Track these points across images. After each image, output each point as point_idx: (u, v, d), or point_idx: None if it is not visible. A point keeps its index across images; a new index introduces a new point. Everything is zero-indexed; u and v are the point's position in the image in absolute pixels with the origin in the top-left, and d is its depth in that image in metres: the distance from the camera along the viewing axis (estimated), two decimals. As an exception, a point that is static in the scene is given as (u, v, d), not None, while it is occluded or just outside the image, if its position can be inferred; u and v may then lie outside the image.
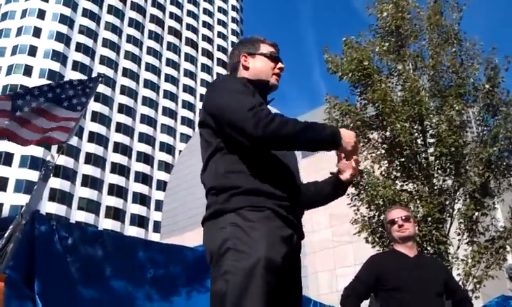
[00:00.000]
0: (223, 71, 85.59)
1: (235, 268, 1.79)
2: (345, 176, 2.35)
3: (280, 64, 2.35)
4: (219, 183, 2.01)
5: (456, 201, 11.93)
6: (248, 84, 2.17)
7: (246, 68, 2.32)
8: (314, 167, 27.05)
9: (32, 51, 67.46)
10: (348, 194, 12.73)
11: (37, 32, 68.88)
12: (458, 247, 11.76)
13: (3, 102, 4.87)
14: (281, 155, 2.13)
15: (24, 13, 70.46)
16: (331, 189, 2.40)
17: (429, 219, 11.08)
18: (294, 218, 2.04)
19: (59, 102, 5.01)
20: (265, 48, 2.36)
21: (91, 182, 65.32)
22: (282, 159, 2.12)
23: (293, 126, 1.96)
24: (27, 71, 65.77)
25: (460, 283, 10.62)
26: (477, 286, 11.53)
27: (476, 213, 11.63)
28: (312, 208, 2.43)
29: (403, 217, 3.45)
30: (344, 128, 2.13)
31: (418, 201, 11.41)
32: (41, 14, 70.29)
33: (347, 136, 2.09)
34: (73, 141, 60.38)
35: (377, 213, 12.08)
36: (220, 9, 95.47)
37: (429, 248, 11.07)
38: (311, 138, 2.00)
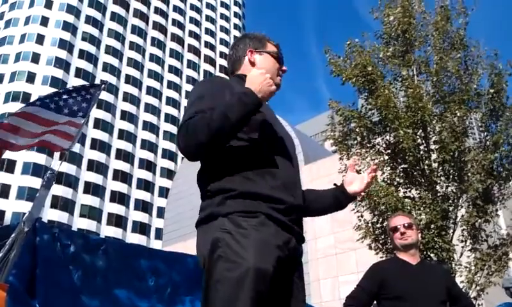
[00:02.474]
0: (226, 78, 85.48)
1: (225, 277, 1.76)
2: (352, 188, 2.30)
3: (283, 67, 2.33)
4: (213, 186, 1.98)
5: (459, 207, 11.90)
6: (231, 83, 2.16)
7: (253, 64, 2.28)
8: (316, 173, 27.04)
9: (36, 58, 67.67)
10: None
11: (40, 39, 69.13)
12: (461, 254, 11.73)
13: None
14: (278, 150, 2.07)
15: (27, 20, 70.74)
16: (333, 201, 2.33)
17: (432, 225, 11.05)
18: (292, 221, 1.98)
19: (58, 109, 4.99)
20: (271, 48, 2.33)
21: (94, 189, 65.34)
22: (280, 155, 2.06)
23: (211, 119, 1.89)
24: (30, 78, 65.96)
25: (463, 290, 10.57)
26: (480, 293, 11.49)
27: (479, 220, 11.60)
28: (309, 216, 2.36)
29: (405, 225, 3.42)
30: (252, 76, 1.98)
31: (421, 208, 11.38)
32: (45, 21, 70.55)
33: (256, 81, 1.95)
34: (76, 147, 60.44)
35: (380, 220, 12.06)
36: (222, 16, 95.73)
37: (432, 255, 11.04)
38: (226, 123, 1.88)
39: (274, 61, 2.30)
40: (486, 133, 12.26)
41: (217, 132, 1.89)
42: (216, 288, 1.77)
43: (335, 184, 2.39)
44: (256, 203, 1.91)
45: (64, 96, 5.12)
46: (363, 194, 10.47)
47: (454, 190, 11.83)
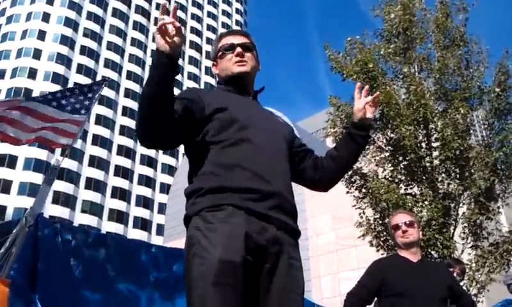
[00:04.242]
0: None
1: (197, 274, 1.78)
2: (367, 114, 2.30)
3: (237, 49, 2.23)
4: (188, 188, 2.03)
5: (461, 205, 11.89)
6: (201, 91, 2.16)
7: (219, 74, 2.30)
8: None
9: (37, 54, 67.64)
10: (353, 197, 12.72)
11: (42, 35, 69.09)
12: (462, 252, 11.74)
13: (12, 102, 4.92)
14: (251, 139, 2.03)
15: (28, 16, 70.71)
16: (349, 141, 2.30)
17: (433, 223, 11.05)
18: (269, 209, 1.92)
19: (60, 106, 5.01)
20: (220, 44, 2.30)
21: (95, 185, 65.38)
22: (253, 144, 2.02)
23: (138, 111, 1.93)
24: (32, 74, 65.95)
25: (464, 288, 10.58)
26: (481, 290, 11.50)
27: (480, 218, 11.59)
28: (341, 175, 2.35)
29: (407, 222, 3.42)
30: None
31: (422, 205, 11.38)
32: (46, 17, 70.50)
33: (158, 35, 1.88)
34: (77, 143, 60.47)
35: (381, 217, 12.06)
36: (224, 12, 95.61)
37: (433, 252, 11.04)
38: (147, 91, 1.88)
39: (225, 55, 2.26)
40: (489, 131, 12.24)
41: (148, 99, 1.87)
42: (192, 286, 1.79)
43: (345, 127, 2.35)
44: (224, 195, 1.91)
45: (67, 94, 5.14)
46: (364, 191, 10.34)
47: (456, 188, 11.82)
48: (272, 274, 1.88)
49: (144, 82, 1.91)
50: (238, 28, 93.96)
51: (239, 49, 2.23)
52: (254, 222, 1.88)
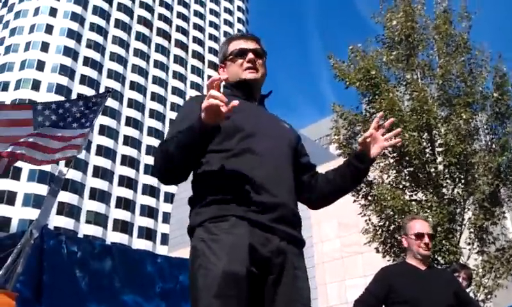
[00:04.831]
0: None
1: (201, 285, 1.77)
2: (373, 150, 2.14)
3: (249, 56, 2.17)
4: (192, 199, 2.02)
5: (466, 210, 11.85)
6: (192, 104, 2.12)
7: (226, 79, 2.21)
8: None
9: (41, 66, 67.98)
10: (359, 204, 12.70)
11: (45, 47, 69.45)
12: (469, 257, 11.67)
13: (25, 112, 4.99)
14: (256, 149, 2.00)
15: (32, 28, 71.12)
16: (348, 170, 2.18)
17: (439, 228, 11.01)
18: (273, 220, 1.91)
19: (66, 125, 5.08)
20: (231, 48, 2.24)
21: (99, 195, 65.47)
22: (258, 155, 1.99)
23: (166, 144, 1.92)
24: (35, 85, 66.26)
25: (471, 294, 10.51)
26: (488, 296, 11.43)
27: (486, 223, 11.55)
28: (332, 200, 2.25)
29: (430, 234, 3.36)
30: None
31: (427, 211, 11.35)
32: (49, 29, 70.90)
33: (204, 107, 1.77)
34: (81, 154, 60.52)
35: (387, 223, 12.02)
36: (226, 22, 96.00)
37: (439, 258, 10.99)
38: (184, 138, 1.85)
39: (236, 60, 2.21)
40: (492, 136, 12.22)
41: (170, 159, 1.89)
42: (197, 298, 1.78)
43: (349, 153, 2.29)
44: (228, 206, 1.89)
45: (72, 108, 5.18)
46: (369, 198, 10.32)
47: (461, 193, 11.79)
48: (277, 285, 1.86)
49: (171, 140, 1.91)
50: (241, 26, 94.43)
51: (251, 55, 2.18)
52: (257, 234, 1.86)
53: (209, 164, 1.99)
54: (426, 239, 3.32)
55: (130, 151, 71.47)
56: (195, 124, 1.81)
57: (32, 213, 53.67)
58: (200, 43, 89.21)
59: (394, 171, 12.32)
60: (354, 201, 12.74)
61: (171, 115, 79.22)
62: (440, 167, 11.92)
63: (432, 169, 11.93)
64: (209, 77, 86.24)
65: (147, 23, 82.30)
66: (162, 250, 58.66)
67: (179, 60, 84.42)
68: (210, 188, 1.95)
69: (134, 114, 74.21)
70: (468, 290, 5.10)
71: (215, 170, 1.97)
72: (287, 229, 1.95)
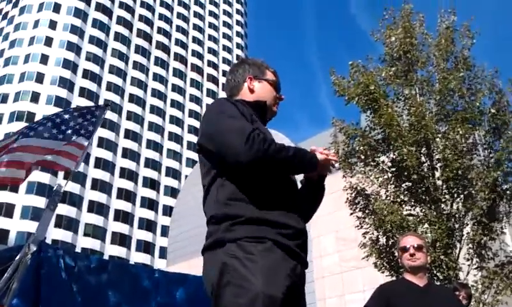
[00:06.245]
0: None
1: (233, 303, 1.75)
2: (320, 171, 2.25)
3: (281, 95, 2.37)
4: (220, 211, 1.96)
5: (465, 225, 11.82)
6: (245, 108, 2.13)
7: (251, 91, 2.29)
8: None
9: (40, 78, 68.17)
10: (356, 218, 12.68)
11: (44, 59, 69.69)
12: (468, 273, 11.63)
13: (8, 142, 4.87)
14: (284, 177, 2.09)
15: (31, 41, 71.41)
16: (305, 189, 2.27)
17: (438, 244, 10.98)
18: (298, 247, 1.97)
19: (61, 132, 4.99)
20: (269, 75, 2.35)
21: (97, 208, 65.32)
22: (286, 179, 2.08)
23: (286, 153, 1.97)
24: (35, 98, 66.38)
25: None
26: (488, 312, 11.37)
27: (484, 238, 11.51)
28: (311, 214, 2.29)
29: (415, 246, 3.35)
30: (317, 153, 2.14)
31: (426, 226, 11.33)
32: (49, 41, 71.20)
33: (323, 162, 2.14)
34: (80, 167, 60.47)
35: (385, 238, 11.99)
36: (225, 35, 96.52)
37: (438, 274, 10.95)
38: (298, 165, 2.05)
39: (272, 89, 2.33)
40: (489, 151, 12.24)
41: (294, 161, 2.02)
42: None
43: (301, 181, 2.32)
44: (263, 228, 1.90)
45: (68, 118, 5.13)
46: (367, 212, 10.28)
47: (459, 208, 11.78)
48: None
49: (296, 155, 2.03)
50: (239, 51, 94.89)
51: (283, 96, 2.39)
52: (289, 260, 1.90)
53: (241, 179, 1.98)
54: (411, 250, 3.33)
55: (129, 164, 71.44)
56: (315, 161, 2.12)
57: (30, 226, 53.50)
58: (199, 56, 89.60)
59: (393, 186, 12.33)
60: (351, 214, 12.75)
61: (170, 128, 79.30)
62: (439, 182, 11.92)
63: (431, 184, 11.92)
64: (208, 90, 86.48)
65: (146, 37, 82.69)
66: (160, 264, 58.46)
67: (178, 73, 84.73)
68: (243, 205, 1.94)
69: (133, 126, 74.29)
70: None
71: (248, 186, 1.97)
72: (305, 256, 2.02)
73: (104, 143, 68.86)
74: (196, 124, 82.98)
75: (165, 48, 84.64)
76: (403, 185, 12.20)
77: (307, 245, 2.06)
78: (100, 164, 67.87)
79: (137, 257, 64.79)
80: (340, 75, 13.05)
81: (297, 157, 2.02)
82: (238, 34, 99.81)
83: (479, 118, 12.23)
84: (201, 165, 2.14)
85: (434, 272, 10.89)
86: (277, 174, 2.03)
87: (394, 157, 12.12)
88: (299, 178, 2.28)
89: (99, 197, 65.99)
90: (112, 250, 63.47)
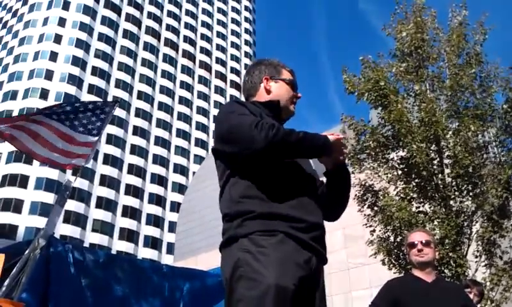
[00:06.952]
0: (236, 93, 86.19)
1: (246, 296, 1.78)
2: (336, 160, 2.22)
3: (298, 94, 2.38)
4: (233, 209, 2.01)
5: (474, 223, 11.76)
6: (256, 108, 2.15)
7: (268, 92, 2.30)
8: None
9: (49, 75, 68.52)
10: (364, 215, 12.64)
11: (54, 57, 70.03)
12: (476, 270, 11.57)
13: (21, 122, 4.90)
14: (298, 169, 2.10)
15: (40, 38, 71.78)
16: (334, 182, 2.25)
17: (447, 241, 10.92)
18: (312, 239, 1.98)
19: (73, 126, 5.01)
20: (286, 75, 2.36)
21: (106, 204, 65.63)
22: (298, 175, 2.09)
23: (296, 135, 1.98)
24: (44, 94, 66.72)
25: (479, 307, 10.40)
26: (496, 310, 11.31)
27: (494, 236, 11.45)
28: (334, 214, 2.32)
29: (423, 242, 3.36)
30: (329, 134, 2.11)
31: (435, 223, 11.27)
32: (58, 39, 71.52)
33: (336, 144, 2.11)
34: (89, 163, 60.74)
35: (393, 235, 11.94)
36: (233, 32, 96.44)
37: (446, 271, 10.90)
38: (311, 146, 2.05)
39: (289, 89, 2.33)
40: (501, 149, 12.15)
41: (303, 144, 2.01)
42: None
43: (324, 173, 2.30)
44: (275, 222, 1.92)
45: (79, 114, 5.14)
46: (375, 209, 10.22)
47: (469, 205, 11.70)
48: (313, 304, 1.96)
49: (305, 139, 2.03)
50: (247, 48, 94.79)
51: (299, 94, 2.38)
52: (302, 252, 1.92)
53: (253, 176, 2.02)
54: (419, 246, 3.34)
55: (137, 161, 71.67)
56: (329, 144, 2.09)
57: (39, 222, 53.85)
58: (207, 53, 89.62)
59: (402, 183, 12.26)
60: (359, 210, 12.69)
61: (178, 125, 79.44)
62: (448, 179, 11.84)
63: (440, 181, 11.85)
64: (216, 87, 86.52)
65: (155, 34, 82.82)
66: (168, 259, 58.65)
67: (186, 70, 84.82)
68: (255, 201, 1.98)
69: (141, 123, 74.51)
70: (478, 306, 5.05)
71: (259, 182, 2.01)
72: (321, 249, 2.04)
73: (112, 140, 69.13)
74: (204, 121, 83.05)
75: (173, 45, 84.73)
76: (412, 182, 12.13)
77: (324, 239, 2.09)
78: (109, 160, 68.16)
79: (145, 253, 65.04)
80: (351, 73, 12.98)
81: (308, 137, 2.02)
82: (246, 31, 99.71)
83: (491, 114, 12.13)
84: (217, 167, 2.18)
85: (442, 268, 10.84)
86: (292, 159, 2.06)
87: (404, 153, 12.05)
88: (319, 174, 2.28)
89: (107, 193, 66.30)
90: (120, 245, 63.76)
